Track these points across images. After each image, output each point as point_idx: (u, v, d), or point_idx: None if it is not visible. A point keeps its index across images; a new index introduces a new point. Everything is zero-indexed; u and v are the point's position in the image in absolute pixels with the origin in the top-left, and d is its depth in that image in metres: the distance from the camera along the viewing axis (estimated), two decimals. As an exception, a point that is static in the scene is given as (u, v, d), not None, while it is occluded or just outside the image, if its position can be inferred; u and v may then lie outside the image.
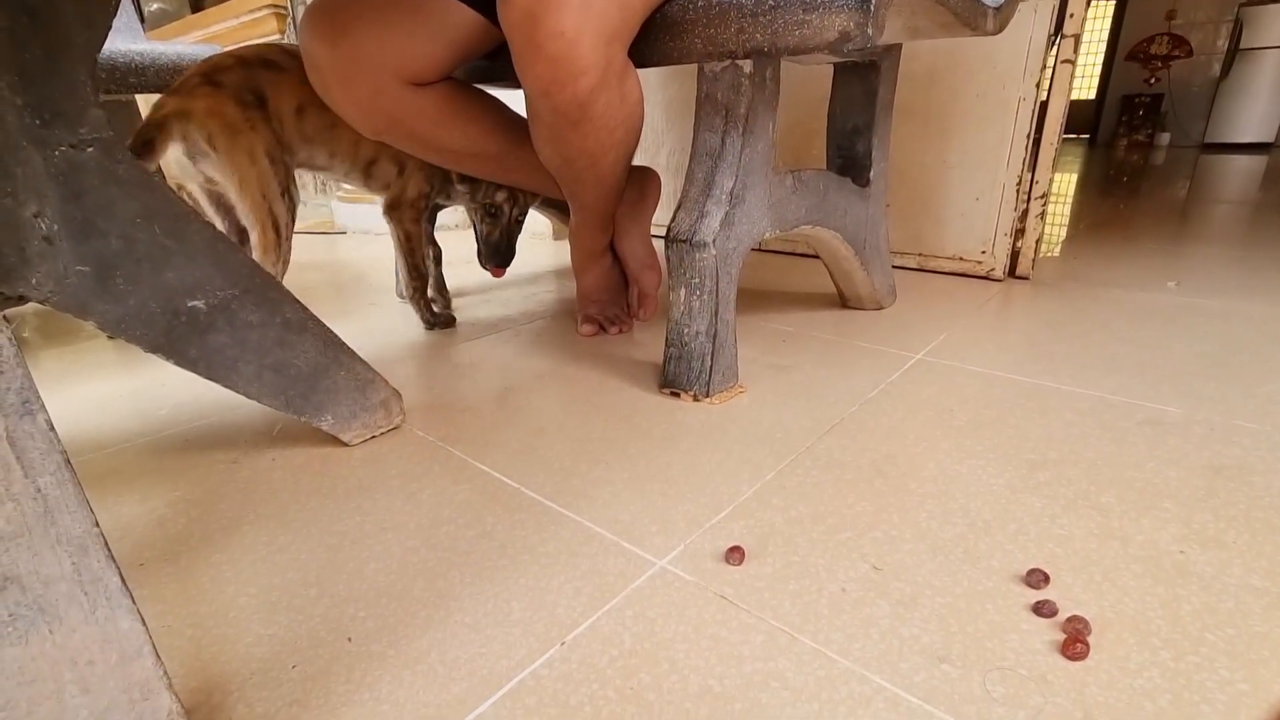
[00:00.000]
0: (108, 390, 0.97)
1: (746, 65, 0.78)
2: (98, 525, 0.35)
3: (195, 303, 0.59)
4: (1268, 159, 3.92)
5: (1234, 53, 4.63)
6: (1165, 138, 5.10)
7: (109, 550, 0.35)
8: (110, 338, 1.20)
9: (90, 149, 0.50)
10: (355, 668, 0.46)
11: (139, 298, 0.55)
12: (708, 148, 0.83)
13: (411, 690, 0.44)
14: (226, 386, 0.64)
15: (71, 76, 0.48)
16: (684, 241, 0.82)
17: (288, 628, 0.49)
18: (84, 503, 0.34)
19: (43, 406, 0.32)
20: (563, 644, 0.47)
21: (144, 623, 0.36)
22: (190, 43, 1.59)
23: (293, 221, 0.95)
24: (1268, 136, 4.57)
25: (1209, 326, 1.05)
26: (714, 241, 0.80)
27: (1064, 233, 1.89)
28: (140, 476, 0.72)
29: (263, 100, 0.90)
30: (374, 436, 0.78)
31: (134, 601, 0.36)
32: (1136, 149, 4.87)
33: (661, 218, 1.20)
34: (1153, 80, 5.17)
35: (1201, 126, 4.90)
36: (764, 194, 0.86)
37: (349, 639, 0.48)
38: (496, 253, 1.13)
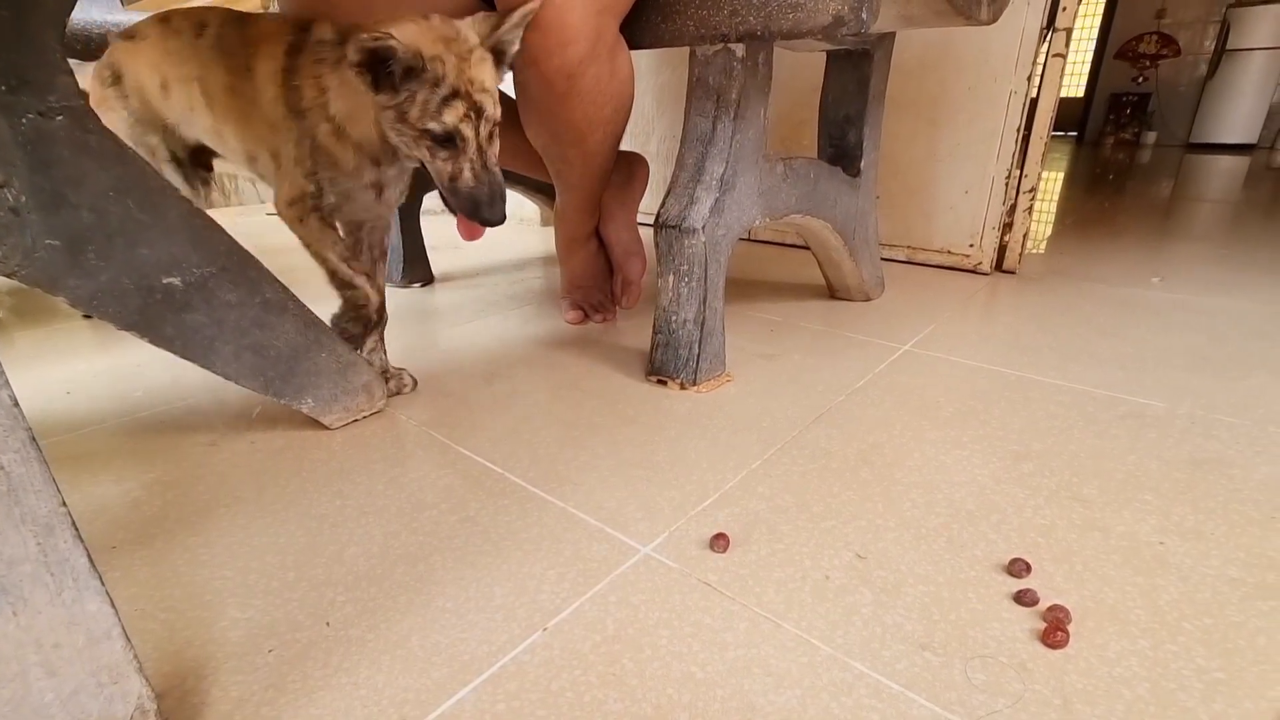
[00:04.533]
0: (83, 371, 0.95)
1: (739, 49, 0.77)
2: (65, 505, 0.34)
3: (171, 280, 0.58)
4: (1251, 159, 3.97)
5: (1221, 53, 4.67)
6: (1152, 136, 5.14)
7: (77, 531, 0.34)
8: (86, 317, 1.17)
9: (60, 117, 0.48)
10: (333, 652, 0.45)
11: (112, 273, 0.54)
12: (698, 133, 0.82)
13: (390, 675, 0.43)
14: (204, 367, 0.63)
15: (40, 41, 0.46)
16: (673, 227, 0.81)
17: (264, 611, 0.49)
18: (50, 482, 0.33)
19: (6, 382, 0.31)
20: (545, 630, 0.46)
21: (113, 605, 0.35)
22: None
23: None
24: (1251, 138, 4.62)
25: (1192, 322, 1.06)
26: (703, 228, 0.79)
27: (1051, 229, 1.90)
28: (115, 458, 0.70)
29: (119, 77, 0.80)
30: (356, 420, 0.77)
31: (103, 583, 0.35)
32: (1123, 147, 4.91)
33: (649, 205, 1.18)
34: (1141, 79, 5.20)
35: (1187, 126, 4.94)
36: (754, 181, 0.85)
37: (327, 623, 0.47)
38: (472, 201, 0.69)
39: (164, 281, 0.57)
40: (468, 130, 0.65)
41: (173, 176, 0.85)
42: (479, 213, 0.69)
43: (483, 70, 0.65)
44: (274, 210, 0.87)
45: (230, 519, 0.59)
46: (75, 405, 0.83)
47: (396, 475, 0.66)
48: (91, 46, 1.04)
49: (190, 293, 0.59)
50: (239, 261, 0.63)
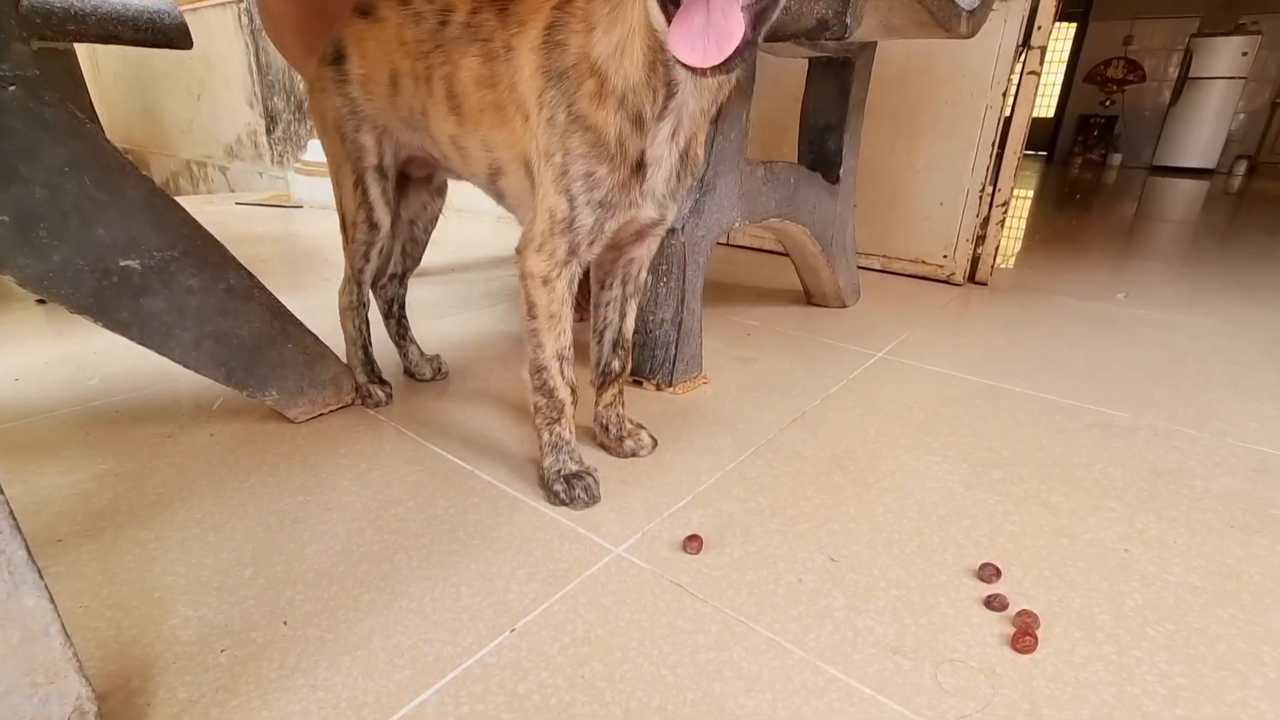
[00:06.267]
0: (34, 357, 0.91)
1: (723, 51, 0.77)
2: (2, 494, 0.32)
3: (129, 262, 0.55)
4: (1210, 184, 4.12)
5: (1184, 80, 4.84)
6: (1117, 158, 5.30)
7: (15, 521, 0.32)
8: (39, 302, 1.12)
9: (12, 87, 0.46)
10: (290, 652, 0.43)
11: (64, 253, 0.51)
12: (681, 133, 0.82)
13: (350, 676, 0.41)
14: (162, 354, 0.60)
15: (-7, 5, 0.44)
16: (653, 227, 0.80)
17: (218, 610, 0.46)
18: (-15, 467, 0.31)
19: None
20: (513, 630, 0.45)
21: (53, 600, 0.33)
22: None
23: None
24: (1211, 163, 4.80)
25: (1155, 337, 1.09)
26: (683, 228, 0.79)
27: (1021, 243, 1.94)
28: (64, 448, 0.67)
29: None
30: (322, 414, 0.74)
31: (42, 577, 0.33)
32: (1090, 168, 5.05)
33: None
34: (1108, 102, 5.37)
35: (1151, 149, 5.11)
36: (735, 183, 0.85)
37: (285, 622, 0.46)
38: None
39: (121, 264, 0.55)
40: None
41: (374, 190, 0.72)
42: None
43: None
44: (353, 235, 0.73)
45: (185, 513, 0.57)
46: (24, 393, 0.80)
47: (363, 471, 0.64)
48: (53, 21, 1.00)
49: (149, 276, 0.57)
50: (203, 246, 0.61)
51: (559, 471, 0.61)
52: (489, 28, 0.60)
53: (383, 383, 0.80)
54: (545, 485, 0.61)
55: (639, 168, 0.56)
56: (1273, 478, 0.67)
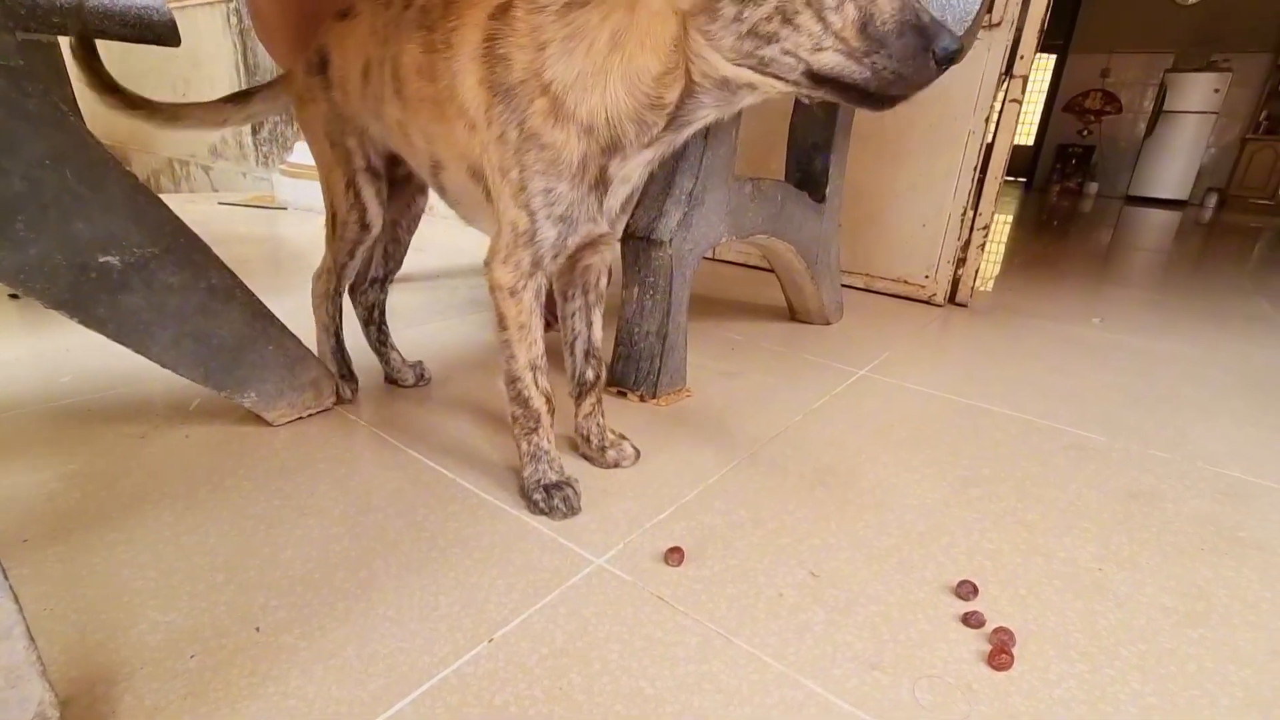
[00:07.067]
0: (3, 352, 0.88)
1: (715, 68, 0.78)
2: (-32, 489, 0.31)
3: (108, 258, 0.54)
4: (1183, 214, 4.24)
5: (1158, 113, 5.00)
6: (1094, 187, 5.44)
7: (-20, 518, 0.31)
8: (12, 296, 1.10)
9: (-4, 77, 0.45)
10: (261, 659, 0.42)
11: (42, 247, 0.50)
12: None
13: (323, 685, 0.41)
14: (138, 352, 0.59)
15: (-20, -6, 0.43)
16: (641, 238, 0.81)
17: (188, 615, 0.45)
18: (-48, 462, 0.30)
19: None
20: (491, 640, 0.45)
21: (17, 602, 0.32)
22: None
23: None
24: (1183, 194, 4.94)
25: (1129, 362, 1.11)
26: (671, 240, 0.79)
27: (1001, 266, 1.98)
28: (32, 446, 0.66)
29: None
30: (301, 418, 0.73)
31: (6, 578, 0.32)
32: (1068, 195, 5.18)
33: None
34: (1086, 132, 5.52)
35: (1127, 179, 5.25)
36: (723, 198, 0.86)
37: (257, 628, 0.45)
38: (919, 33, 0.43)
39: (100, 260, 0.54)
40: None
41: (367, 191, 0.71)
42: (938, 41, 0.42)
43: None
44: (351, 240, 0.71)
45: (157, 516, 0.56)
46: (-8, 389, 0.78)
47: (342, 476, 0.63)
48: (38, 13, 0.99)
49: (129, 273, 0.56)
50: (185, 244, 0.60)
51: (539, 481, 0.60)
52: (434, 14, 0.58)
53: (351, 377, 0.79)
54: (525, 495, 0.61)
55: (599, 184, 0.55)
56: (1240, 501, 0.68)
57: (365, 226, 0.73)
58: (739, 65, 0.46)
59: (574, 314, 0.68)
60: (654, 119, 0.51)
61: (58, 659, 0.41)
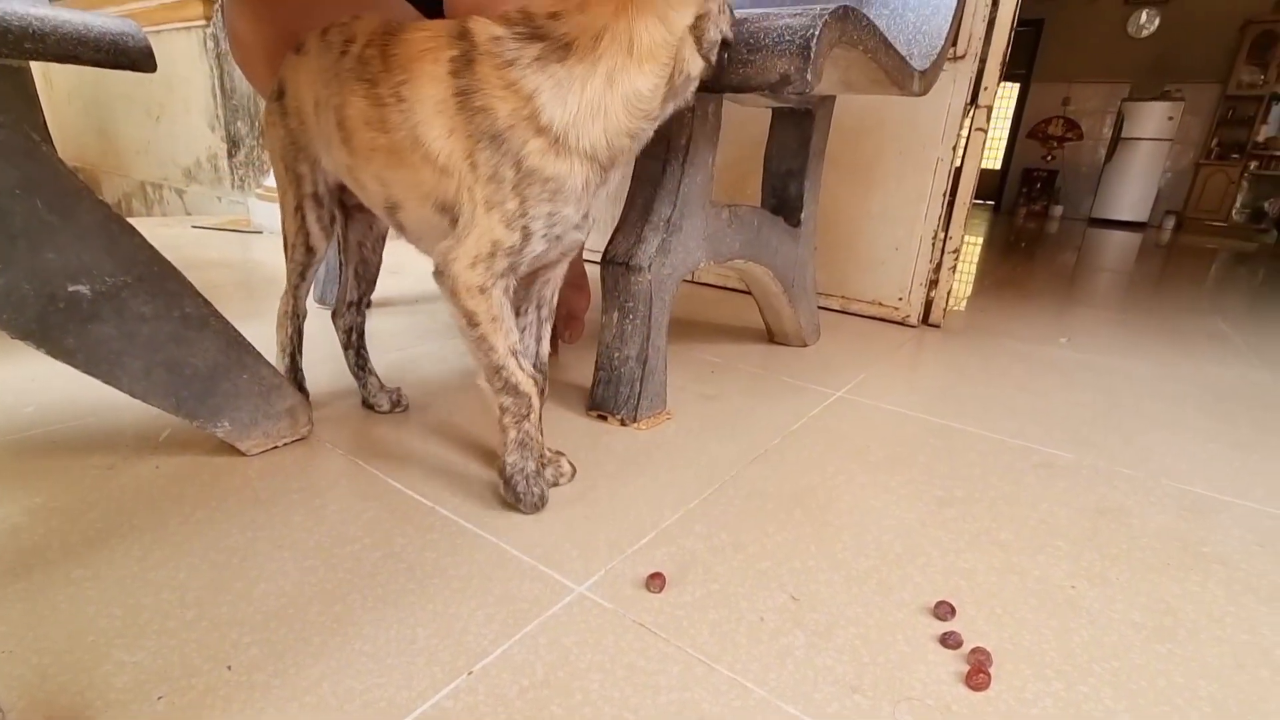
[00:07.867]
0: (-36, 382, 0.86)
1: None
2: (-72, 529, 0.30)
3: (78, 288, 0.54)
4: (1143, 236, 4.39)
5: (1117, 140, 5.20)
6: (1059, 210, 5.62)
7: (-60, 559, 0.30)
8: (-27, 324, 1.07)
9: (-33, 107, 0.45)
10: (234, 699, 0.41)
11: (10, 277, 0.50)
12: (648, 174, 0.84)
13: (296, 724, 0.40)
14: (108, 383, 0.58)
15: (-48, 25, 0.43)
16: (620, 264, 0.82)
17: (156, 654, 0.44)
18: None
19: None
20: (470, 673, 0.44)
21: (-24, 645, 0.31)
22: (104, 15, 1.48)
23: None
24: (1143, 216, 5.13)
25: (1095, 380, 1.15)
26: (649, 266, 0.80)
27: (971, 288, 2.03)
28: (-7, 480, 0.64)
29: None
30: (276, 447, 0.72)
31: (-34, 620, 0.31)
32: (1034, 218, 5.33)
33: (597, 242, 1.19)
34: (1049, 157, 5.71)
35: (1089, 202, 5.43)
36: (701, 224, 0.87)
37: (228, 667, 0.43)
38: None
39: (70, 289, 0.53)
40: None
41: (310, 216, 0.74)
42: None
43: None
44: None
45: (124, 551, 0.54)
46: (-49, 420, 0.75)
47: (317, 506, 0.62)
48: (9, 38, 0.98)
49: (100, 302, 0.55)
50: (158, 272, 0.59)
51: (522, 469, 0.61)
52: (374, 68, 0.59)
53: (302, 391, 0.79)
54: (507, 482, 0.61)
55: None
56: (1204, 517, 0.70)
57: (310, 250, 0.76)
58: (702, 56, 0.55)
59: (524, 329, 0.69)
60: (647, 128, 0.58)
61: (17, 704, 0.40)
